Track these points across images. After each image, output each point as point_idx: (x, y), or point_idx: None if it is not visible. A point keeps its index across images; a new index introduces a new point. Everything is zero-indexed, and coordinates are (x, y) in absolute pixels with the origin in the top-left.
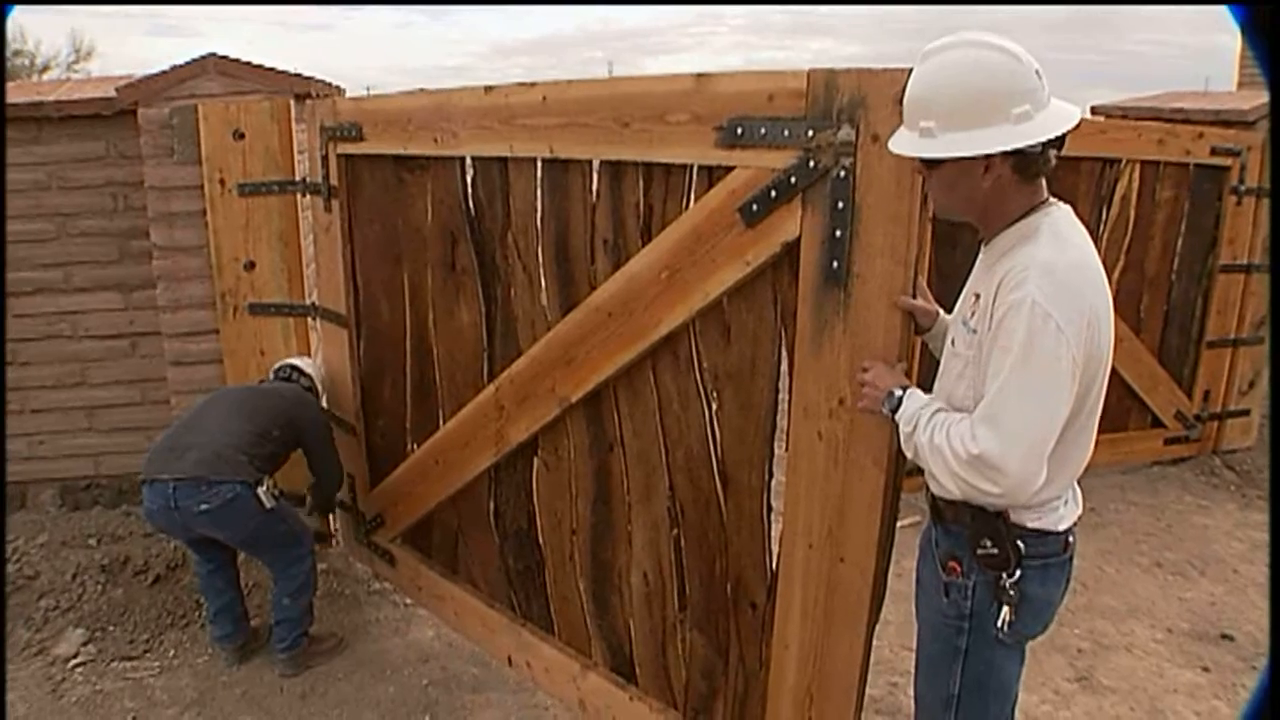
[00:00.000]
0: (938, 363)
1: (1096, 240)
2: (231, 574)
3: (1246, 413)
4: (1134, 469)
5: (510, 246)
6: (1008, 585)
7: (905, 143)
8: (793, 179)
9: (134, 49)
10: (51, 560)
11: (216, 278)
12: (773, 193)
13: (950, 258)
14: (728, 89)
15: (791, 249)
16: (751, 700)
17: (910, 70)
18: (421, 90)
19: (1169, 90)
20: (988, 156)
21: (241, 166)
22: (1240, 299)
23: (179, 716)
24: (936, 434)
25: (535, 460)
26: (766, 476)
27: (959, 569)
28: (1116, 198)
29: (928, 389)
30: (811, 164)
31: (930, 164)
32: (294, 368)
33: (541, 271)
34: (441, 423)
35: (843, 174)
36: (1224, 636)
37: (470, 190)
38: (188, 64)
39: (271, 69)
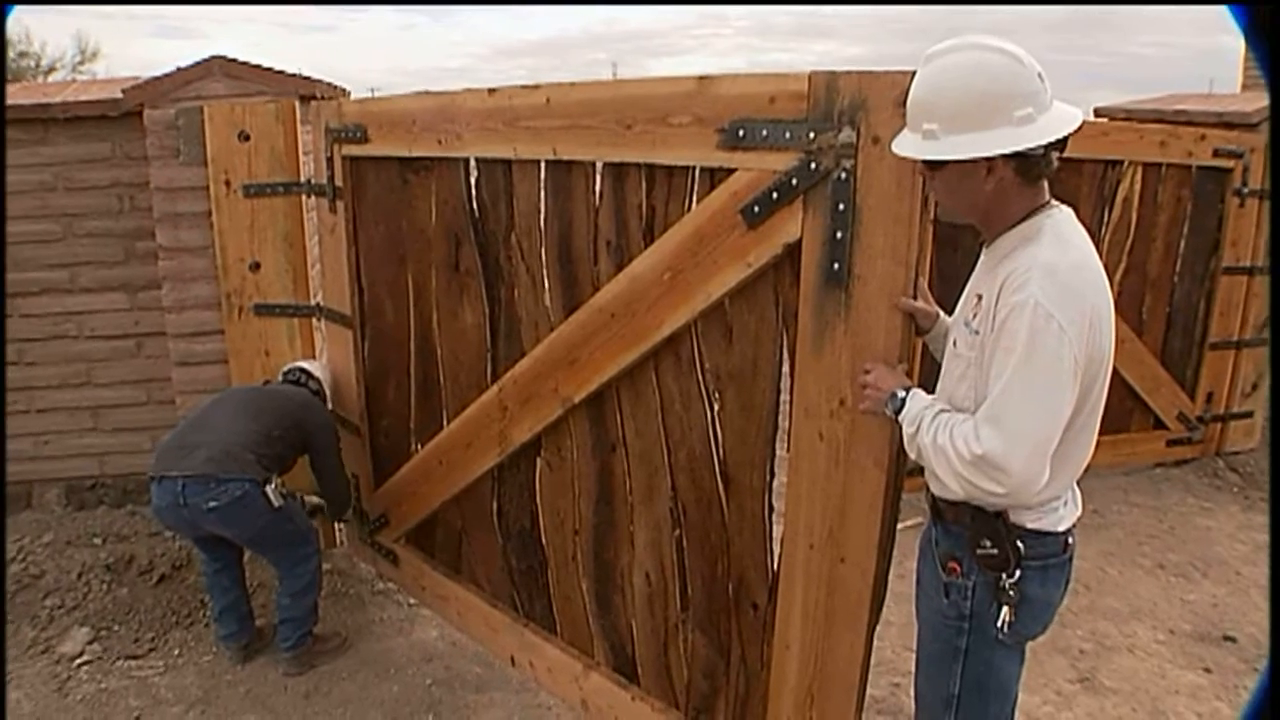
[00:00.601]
0: (938, 364)
1: (1098, 242)
2: (237, 573)
3: (1249, 415)
4: (1137, 470)
5: (514, 248)
6: (1007, 586)
7: (908, 145)
8: (794, 181)
9: (139, 50)
10: (57, 559)
11: (222, 278)
12: (774, 194)
13: (951, 259)
14: (729, 91)
15: (793, 250)
16: (753, 700)
17: (911, 73)
18: (426, 92)
19: (1172, 92)
20: (990, 159)
21: (247, 168)
22: (1243, 301)
23: (184, 715)
24: (940, 434)
25: (538, 460)
26: (768, 477)
27: (959, 569)
28: (1118, 199)
29: (929, 390)
30: (813, 166)
31: (933, 166)
32: (303, 370)
33: (545, 273)
34: (445, 423)
35: (844, 176)
36: (1226, 638)
37: (474, 192)
38: (193, 66)
39: (277, 71)
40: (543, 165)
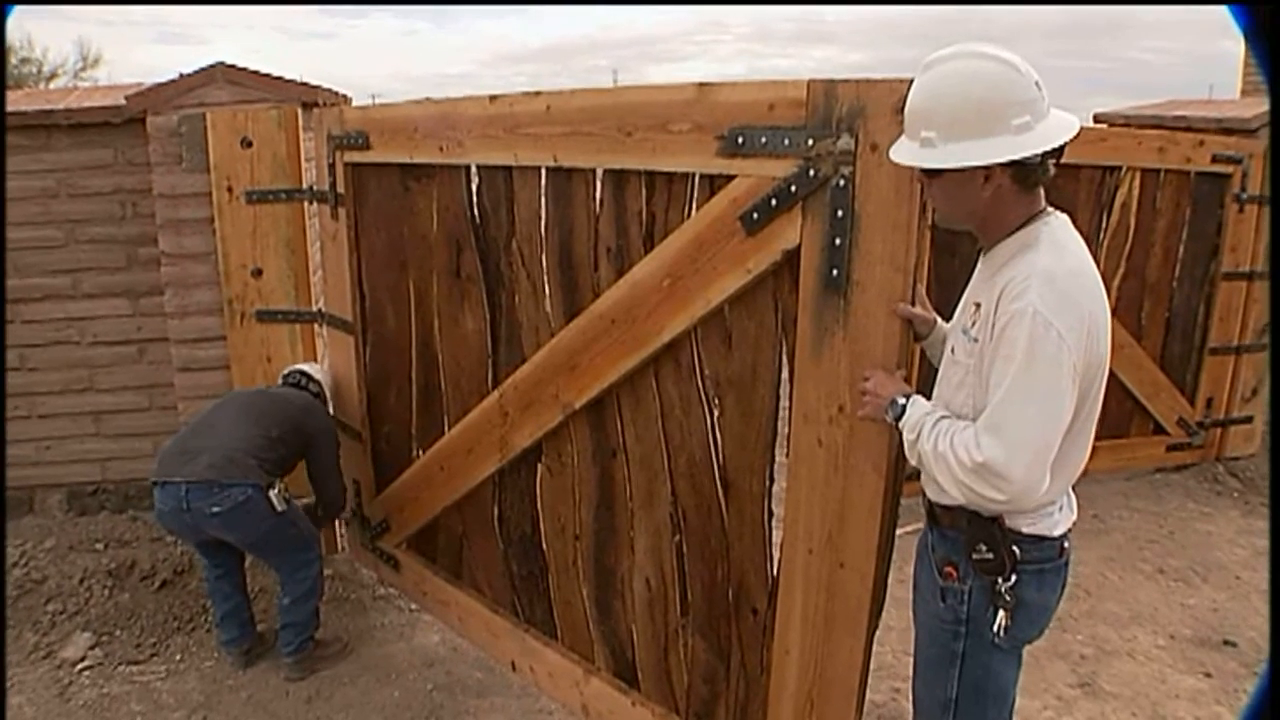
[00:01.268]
0: (936, 370)
1: (1097, 247)
2: (239, 578)
3: (1249, 420)
4: (1137, 475)
5: (515, 254)
6: (1003, 590)
7: (906, 152)
8: (793, 187)
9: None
10: (59, 564)
11: (224, 284)
12: (773, 201)
13: (949, 265)
14: (729, 98)
15: (792, 257)
16: (752, 705)
17: (909, 80)
18: (427, 99)
19: (1172, 98)
20: (988, 166)
21: (249, 174)
22: (1243, 306)
23: (188, 718)
24: (940, 441)
25: (539, 466)
26: (768, 482)
27: (955, 574)
28: (1116, 205)
29: (926, 396)
30: (811, 173)
31: (931, 173)
32: (304, 374)
33: (546, 279)
34: (446, 429)
35: (842, 182)
36: (1226, 643)
37: (475, 198)
38: (196, 73)
39: (279, 78)
40: (543, 172)
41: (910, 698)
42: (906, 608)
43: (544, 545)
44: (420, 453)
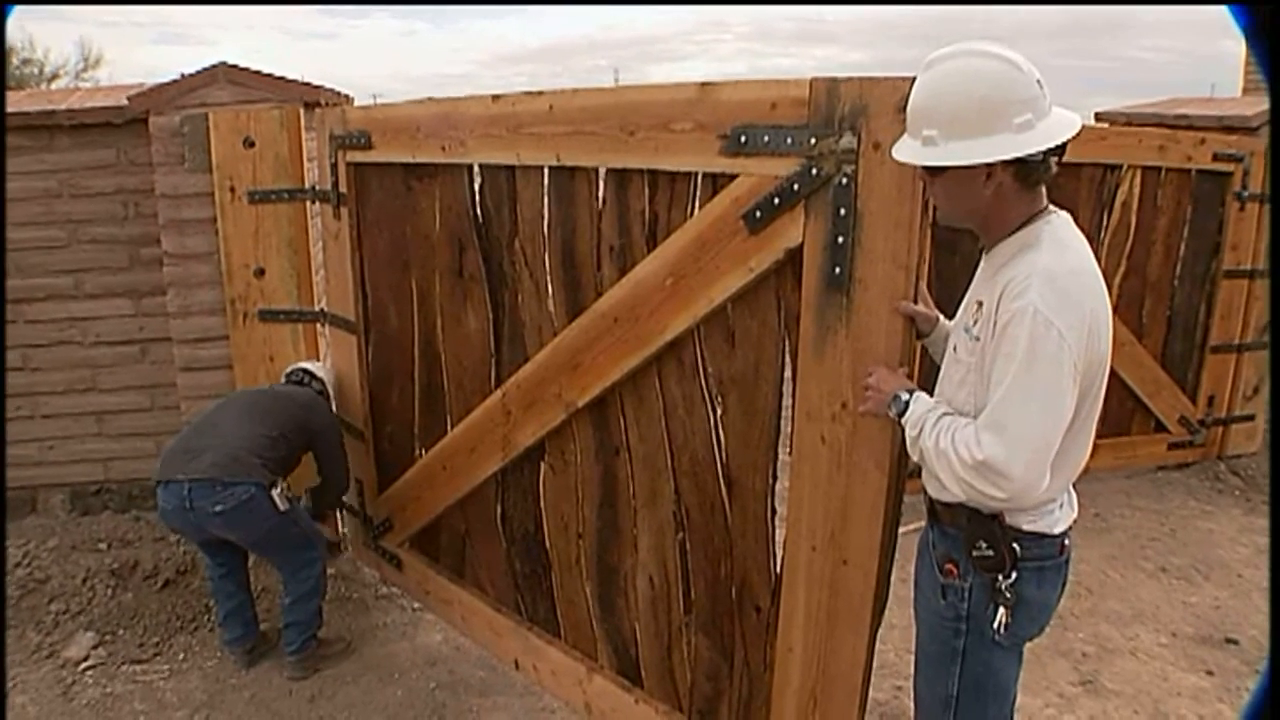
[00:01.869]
0: (938, 367)
1: (1098, 245)
2: (242, 577)
3: (1251, 418)
4: (1138, 474)
5: (517, 253)
6: (1004, 588)
7: (908, 151)
8: (795, 186)
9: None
10: (62, 564)
11: (226, 284)
12: (776, 200)
13: (950, 263)
14: (731, 97)
15: (794, 255)
16: (756, 703)
17: (911, 79)
18: (429, 99)
19: (1173, 96)
20: (989, 165)
21: (251, 174)
22: (1244, 304)
23: (188, 719)
24: (942, 438)
25: (542, 465)
26: (770, 480)
27: (955, 571)
28: (1117, 203)
29: (929, 394)
30: (814, 171)
31: (933, 171)
32: (306, 371)
33: (548, 278)
34: (449, 428)
35: (845, 181)
36: (1228, 641)
37: (478, 198)
38: (198, 73)
39: (281, 78)
40: (546, 171)
41: (912, 695)
42: (909, 606)
43: (547, 544)
44: (423, 452)
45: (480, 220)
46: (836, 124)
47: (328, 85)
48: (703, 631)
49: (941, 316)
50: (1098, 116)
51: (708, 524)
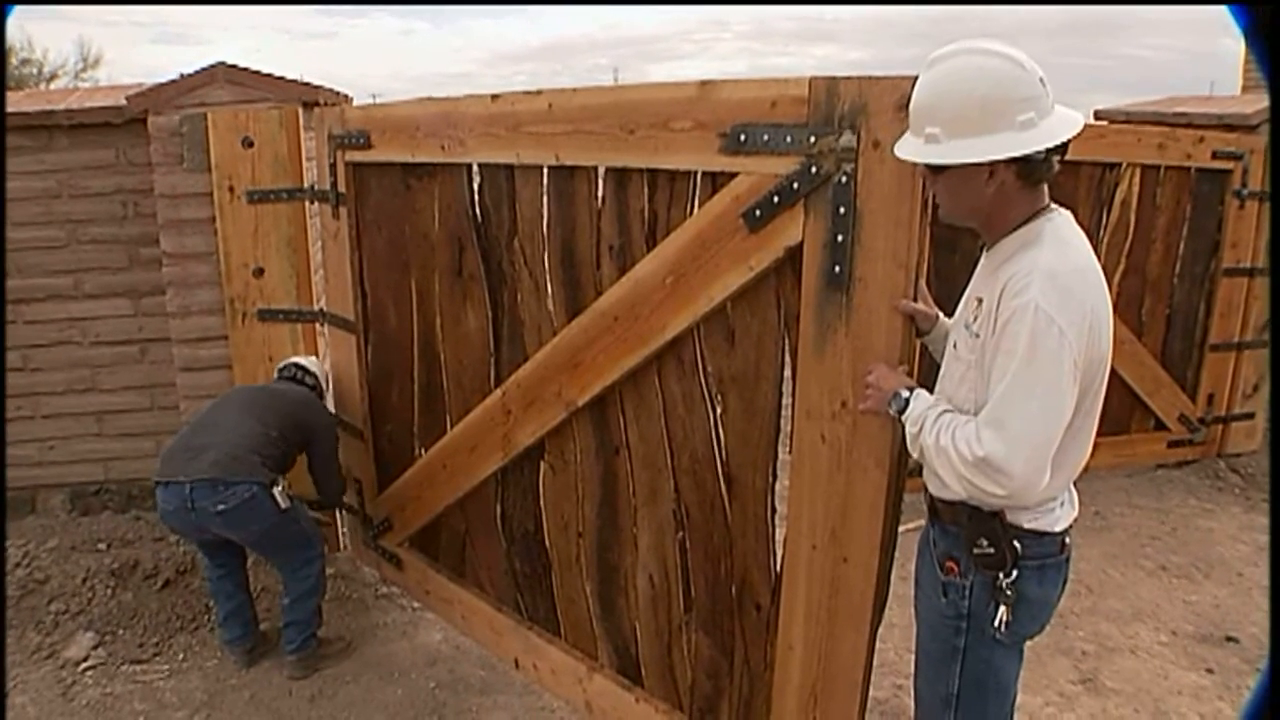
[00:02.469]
0: (937, 365)
1: (1097, 244)
2: (241, 577)
3: (1250, 416)
4: (1138, 472)
5: (517, 252)
6: (1004, 585)
7: (910, 149)
8: (795, 185)
9: (141, 57)
10: (62, 564)
11: (225, 284)
12: (775, 198)
13: (949, 261)
14: (731, 96)
15: (794, 254)
16: (756, 701)
17: (911, 78)
18: (429, 98)
19: (1172, 94)
20: (992, 163)
21: (250, 174)
22: (1244, 303)
23: (188, 719)
24: (943, 436)
25: (542, 464)
26: (770, 479)
27: (956, 569)
28: (1116, 201)
29: (929, 391)
30: (814, 170)
31: (935, 170)
32: (300, 367)
33: (548, 277)
34: (449, 427)
35: (844, 179)
36: (1228, 639)
37: (477, 197)
38: (197, 73)
39: (280, 78)
40: (545, 170)
41: (910, 694)
42: (908, 604)
43: (547, 543)
44: (422, 451)
45: (479, 219)
46: (836, 123)
47: (326, 85)
48: (703, 630)
49: (941, 314)
50: (1097, 115)
51: (708, 522)
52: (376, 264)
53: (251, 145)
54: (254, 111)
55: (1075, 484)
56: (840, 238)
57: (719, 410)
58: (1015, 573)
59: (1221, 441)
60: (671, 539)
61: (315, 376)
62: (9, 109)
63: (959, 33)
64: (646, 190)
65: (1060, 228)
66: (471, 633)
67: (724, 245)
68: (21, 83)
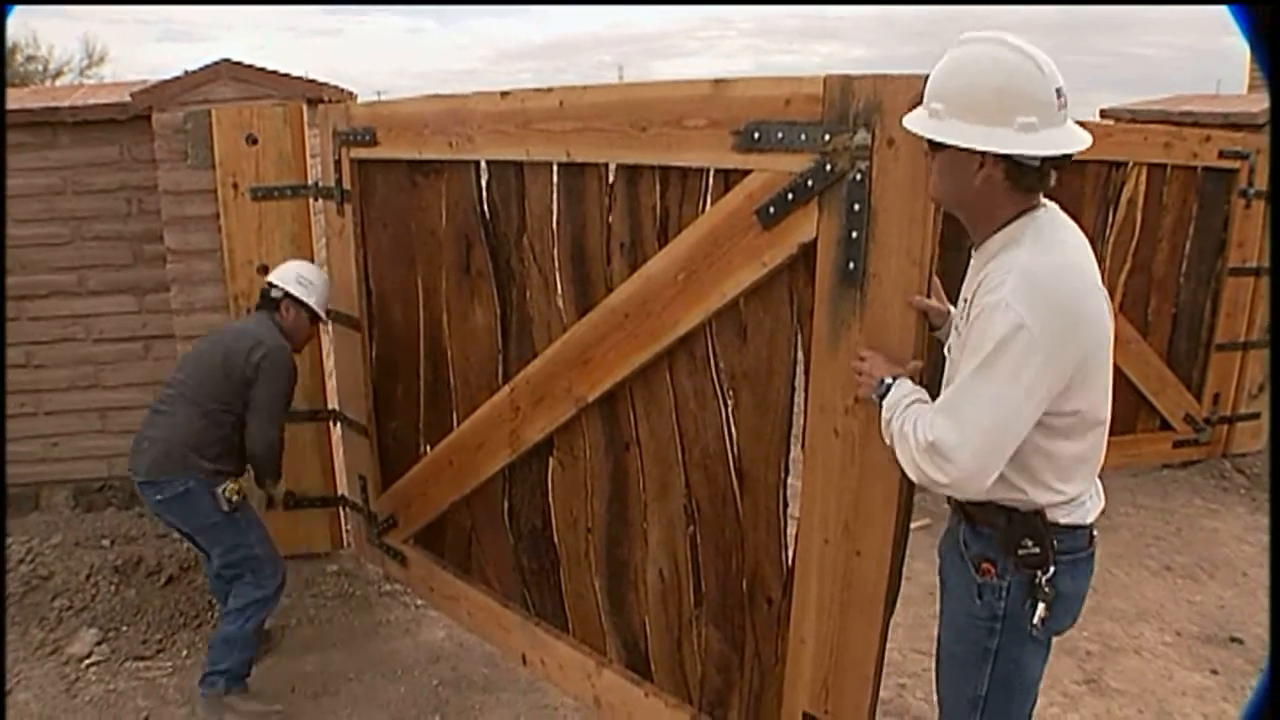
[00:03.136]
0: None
1: (1103, 243)
2: None
3: (1256, 416)
4: (1143, 472)
5: (526, 249)
6: (1043, 583)
7: (915, 119)
8: (809, 182)
9: (146, 54)
10: (65, 561)
11: (229, 281)
12: (789, 195)
13: (954, 259)
14: (745, 94)
15: (808, 250)
16: (767, 694)
17: (924, 76)
18: (436, 95)
19: (1178, 93)
20: (981, 153)
21: (254, 171)
22: (1250, 302)
23: (191, 715)
24: (906, 423)
25: (550, 460)
26: (783, 473)
27: (993, 570)
28: (1123, 201)
29: (938, 387)
30: (828, 167)
31: (935, 146)
32: (271, 285)
33: (557, 274)
34: (455, 424)
35: (859, 177)
36: (1233, 639)
37: (485, 194)
38: (201, 69)
39: (284, 74)
40: (555, 167)
41: (918, 695)
42: (911, 604)
43: (555, 538)
44: (428, 448)
45: (488, 216)
46: (851, 120)
47: (331, 82)
48: (713, 624)
49: (954, 309)
50: (1103, 113)
51: (719, 517)
52: (381, 261)
53: (256, 142)
54: (258, 108)
55: None
56: (855, 234)
57: (731, 406)
58: (1052, 569)
59: (1227, 441)
60: (682, 534)
61: (281, 290)
62: (13, 106)
63: (958, 31)
64: (658, 187)
65: (1043, 226)
66: (477, 629)
67: (737, 241)
68: (27, 79)
